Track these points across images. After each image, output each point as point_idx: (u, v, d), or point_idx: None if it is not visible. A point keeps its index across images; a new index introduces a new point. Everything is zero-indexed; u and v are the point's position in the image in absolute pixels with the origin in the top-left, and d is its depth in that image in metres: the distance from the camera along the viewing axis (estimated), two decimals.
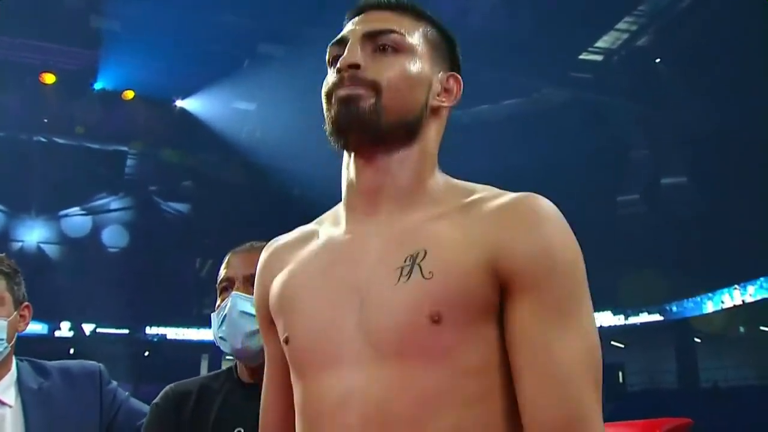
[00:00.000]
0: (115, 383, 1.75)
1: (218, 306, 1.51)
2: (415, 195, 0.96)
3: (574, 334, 0.85)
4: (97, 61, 15.32)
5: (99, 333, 17.20)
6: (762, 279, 15.79)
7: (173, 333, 18.40)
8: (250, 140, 17.49)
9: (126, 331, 17.76)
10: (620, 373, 17.77)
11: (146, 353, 17.88)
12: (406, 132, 0.96)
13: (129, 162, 18.75)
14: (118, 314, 16.83)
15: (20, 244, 17.50)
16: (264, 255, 1.09)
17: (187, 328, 18.34)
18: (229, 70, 15.49)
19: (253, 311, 1.36)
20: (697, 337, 18.82)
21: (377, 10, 1.01)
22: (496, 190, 0.96)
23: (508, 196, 0.93)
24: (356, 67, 0.94)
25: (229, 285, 1.51)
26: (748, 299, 16.26)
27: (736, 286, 16.44)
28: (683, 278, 16.96)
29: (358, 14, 1.02)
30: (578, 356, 0.84)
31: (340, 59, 0.95)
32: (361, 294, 0.91)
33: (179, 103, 16.90)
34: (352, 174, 0.98)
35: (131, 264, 17.50)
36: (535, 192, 0.94)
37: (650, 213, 18.71)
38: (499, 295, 0.87)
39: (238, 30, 14.54)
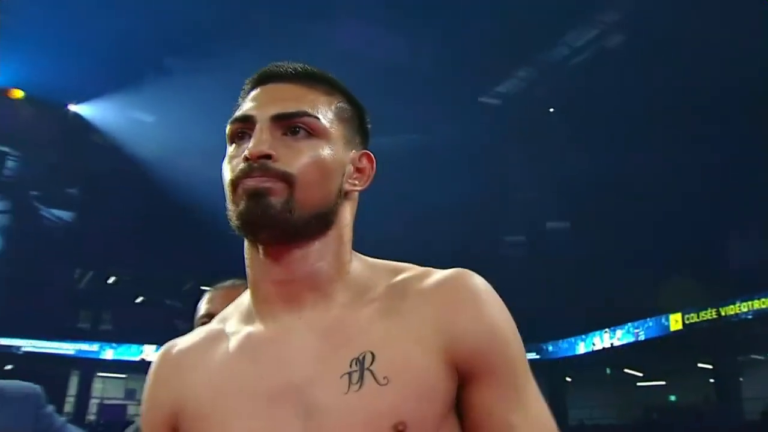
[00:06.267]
0: (51, 407, 1.67)
1: None
2: (338, 282, 0.88)
3: (534, 410, 0.83)
4: None
5: None
6: (629, 324, 16.80)
7: (42, 346, 17.33)
8: (146, 152, 17.01)
9: None
10: None
11: (9, 366, 16.76)
12: (321, 223, 0.87)
13: (9, 164, 17.78)
14: None
15: None
16: (157, 365, 0.92)
17: (59, 341, 17.38)
18: (130, 80, 15.08)
19: None
20: (569, 377, 19.72)
21: (285, 81, 0.89)
22: (421, 268, 0.91)
23: (440, 274, 0.88)
24: (267, 157, 0.83)
25: (208, 321, 1.53)
26: (616, 342, 17.22)
27: (606, 329, 17.40)
28: (562, 319, 17.76)
29: (261, 83, 0.90)
30: (543, 429, 0.83)
31: (249, 148, 0.83)
32: (303, 401, 0.81)
33: (73, 107, 16.25)
34: (262, 265, 0.87)
35: (2, 270, 16.51)
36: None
37: (534, 254, 19.55)
38: (456, 384, 0.82)
39: (143, 40, 14.21)
